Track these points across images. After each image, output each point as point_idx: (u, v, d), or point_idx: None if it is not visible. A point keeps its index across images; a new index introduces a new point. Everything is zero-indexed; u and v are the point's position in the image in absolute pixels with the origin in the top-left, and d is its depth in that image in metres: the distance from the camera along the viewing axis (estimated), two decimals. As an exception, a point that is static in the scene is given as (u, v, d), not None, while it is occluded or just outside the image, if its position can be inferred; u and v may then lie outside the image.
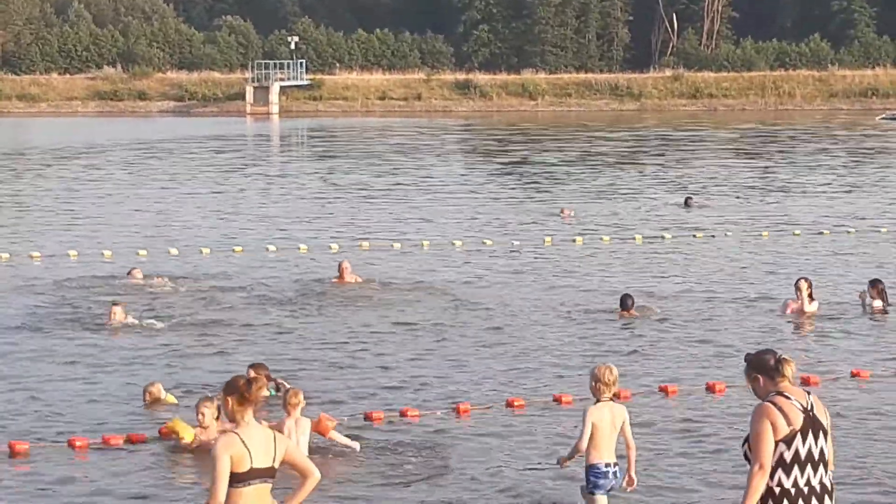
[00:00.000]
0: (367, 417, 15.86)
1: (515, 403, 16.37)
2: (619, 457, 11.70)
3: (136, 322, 21.42)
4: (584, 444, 11.46)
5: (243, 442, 8.89)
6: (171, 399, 16.62)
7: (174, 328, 21.38)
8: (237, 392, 8.97)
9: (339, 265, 25.97)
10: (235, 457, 8.85)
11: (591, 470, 11.55)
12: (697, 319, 22.13)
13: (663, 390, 17.05)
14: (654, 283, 25.75)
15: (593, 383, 11.54)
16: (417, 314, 22.67)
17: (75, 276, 26.61)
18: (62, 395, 17.29)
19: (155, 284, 25.05)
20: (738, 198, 42.26)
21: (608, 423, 11.44)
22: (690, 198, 40.76)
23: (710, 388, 17.18)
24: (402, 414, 16.04)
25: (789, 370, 8.93)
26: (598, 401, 11.53)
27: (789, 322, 22.01)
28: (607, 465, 11.50)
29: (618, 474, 11.56)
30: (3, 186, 48.33)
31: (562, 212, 36.93)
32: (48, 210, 39.80)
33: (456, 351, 19.79)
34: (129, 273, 26.50)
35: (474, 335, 20.90)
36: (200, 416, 14.62)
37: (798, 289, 22.44)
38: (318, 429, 14.34)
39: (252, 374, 15.39)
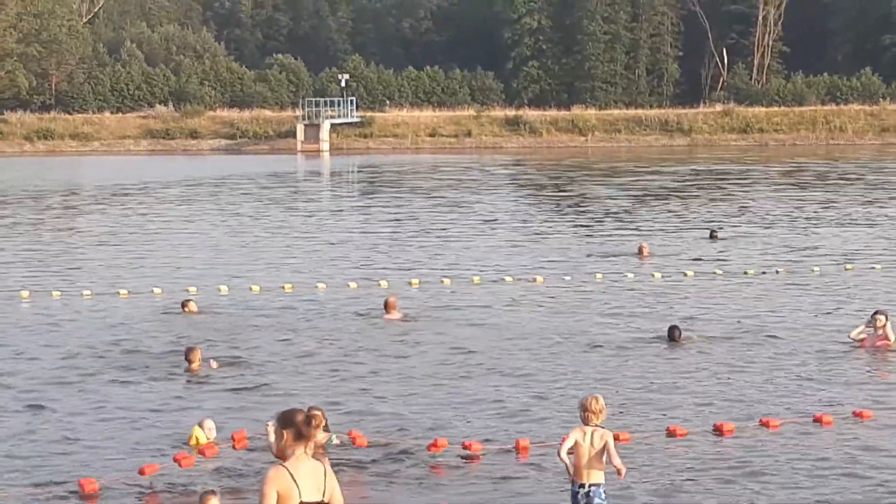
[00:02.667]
0: (433, 446, 15.85)
1: None
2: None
3: (207, 366, 21.22)
4: (562, 449, 12.09)
5: (291, 476, 8.77)
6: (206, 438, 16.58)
7: (224, 366, 21.34)
8: (295, 427, 8.86)
9: (386, 301, 26.02)
10: (283, 491, 8.74)
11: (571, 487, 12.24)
12: (758, 354, 21.90)
13: (718, 428, 16.76)
14: (709, 318, 25.52)
15: (582, 412, 12.28)
16: (468, 350, 22.55)
17: (126, 314, 26.71)
18: (115, 432, 17.28)
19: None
20: (793, 231, 41.98)
21: (587, 444, 12.09)
22: (715, 231, 41.02)
23: (764, 424, 16.93)
24: (466, 447, 15.91)
25: None
26: (585, 426, 12.25)
27: (863, 356, 21.79)
28: (581, 485, 12.12)
29: (591, 494, 12.11)
30: (56, 225, 48.61)
31: (640, 249, 36.43)
32: (99, 248, 39.96)
33: (507, 385, 19.65)
34: (183, 306, 26.67)
35: (526, 371, 20.77)
36: None
37: (875, 322, 22.21)
38: None
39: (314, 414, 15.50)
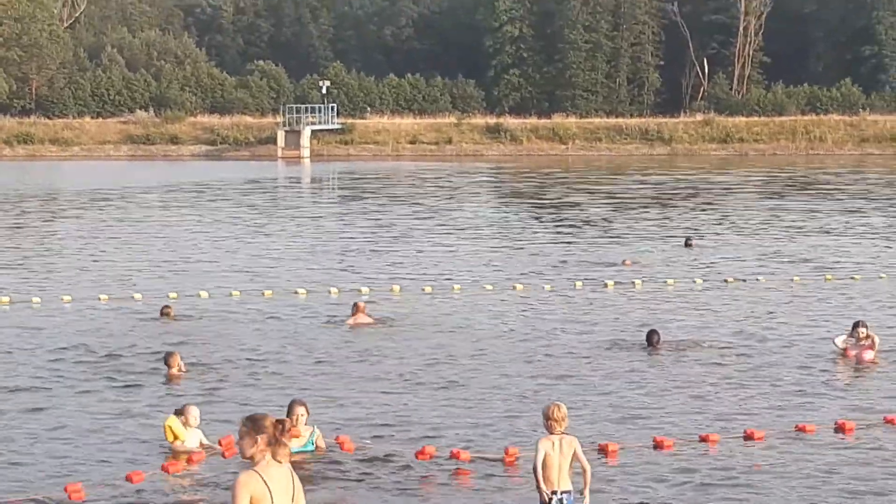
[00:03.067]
0: (420, 454, 15.81)
1: None
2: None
3: (186, 371, 21.15)
4: (538, 466, 12.20)
5: (264, 481, 8.69)
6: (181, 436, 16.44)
7: (203, 372, 21.31)
8: (266, 433, 8.78)
9: (356, 304, 26.13)
10: (256, 496, 8.66)
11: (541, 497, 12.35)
12: (740, 363, 21.91)
13: (704, 439, 16.70)
14: (688, 327, 25.55)
15: (545, 421, 12.39)
16: (450, 357, 22.52)
17: (107, 320, 26.66)
18: (95, 439, 17.23)
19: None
20: (772, 240, 42.06)
21: (557, 453, 12.22)
22: (690, 238, 41.27)
23: (749, 437, 16.89)
24: (454, 455, 15.81)
25: None
26: (550, 434, 12.35)
27: (846, 366, 21.81)
28: (553, 492, 12.24)
29: (563, 501, 12.24)
30: (35, 230, 48.49)
31: (624, 262, 36.31)
32: (79, 254, 39.86)
33: (489, 392, 19.60)
34: (162, 312, 26.72)
35: (507, 378, 20.73)
36: None
37: (857, 333, 22.22)
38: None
39: (299, 409, 15.57)
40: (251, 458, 8.79)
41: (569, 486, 12.31)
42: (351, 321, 25.80)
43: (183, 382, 20.54)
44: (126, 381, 20.69)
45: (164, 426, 16.50)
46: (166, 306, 27.26)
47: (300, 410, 15.93)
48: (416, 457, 15.80)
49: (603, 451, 16.09)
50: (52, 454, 16.47)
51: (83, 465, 15.94)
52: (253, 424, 8.81)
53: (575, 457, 12.30)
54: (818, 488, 14.89)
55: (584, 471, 12.32)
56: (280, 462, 8.79)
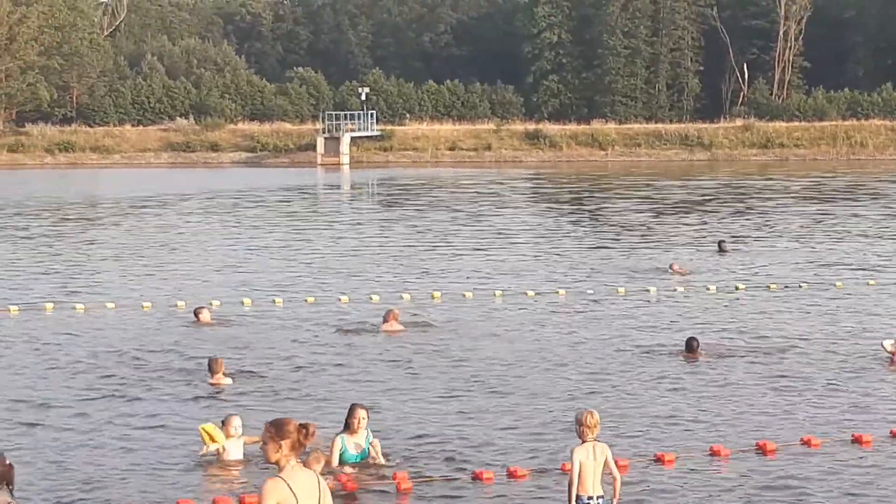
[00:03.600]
0: (477, 477, 15.48)
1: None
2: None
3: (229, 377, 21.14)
4: (574, 478, 12.42)
5: (290, 487, 8.72)
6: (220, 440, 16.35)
7: (247, 379, 21.30)
8: (290, 437, 8.80)
9: (390, 311, 26.13)
10: (282, 502, 8.70)
11: (577, 502, 12.51)
12: (787, 370, 21.71)
13: (761, 447, 16.48)
14: (730, 332, 25.40)
15: (578, 427, 12.59)
16: (493, 363, 22.43)
17: (150, 326, 26.72)
18: (140, 447, 17.22)
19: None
20: (814, 246, 41.79)
21: (591, 460, 12.45)
22: (724, 242, 41.05)
23: (805, 443, 16.70)
24: (511, 473, 15.50)
25: None
26: (583, 441, 12.51)
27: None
28: (590, 497, 12.47)
29: None
30: (77, 238, 48.65)
31: (671, 266, 35.99)
32: (121, 261, 39.96)
33: (533, 403, 19.49)
34: (195, 313, 26.78)
35: (554, 386, 20.61)
36: None
37: None
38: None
39: (360, 412, 15.53)
40: (276, 463, 8.83)
41: (601, 492, 12.47)
42: (384, 328, 25.81)
43: (226, 389, 20.53)
44: (171, 389, 20.68)
45: (199, 430, 16.45)
46: (199, 308, 27.28)
47: (361, 413, 15.89)
48: (473, 477, 15.39)
49: (660, 460, 15.93)
50: (96, 468, 16.36)
51: (122, 476, 15.86)
52: (276, 429, 8.85)
53: (607, 464, 12.48)
54: (886, 499, 14.69)
55: (615, 479, 12.55)
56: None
